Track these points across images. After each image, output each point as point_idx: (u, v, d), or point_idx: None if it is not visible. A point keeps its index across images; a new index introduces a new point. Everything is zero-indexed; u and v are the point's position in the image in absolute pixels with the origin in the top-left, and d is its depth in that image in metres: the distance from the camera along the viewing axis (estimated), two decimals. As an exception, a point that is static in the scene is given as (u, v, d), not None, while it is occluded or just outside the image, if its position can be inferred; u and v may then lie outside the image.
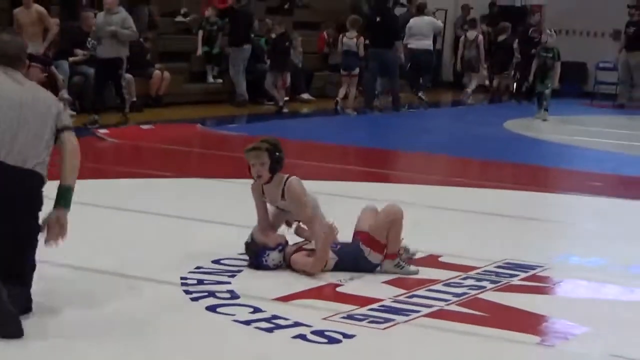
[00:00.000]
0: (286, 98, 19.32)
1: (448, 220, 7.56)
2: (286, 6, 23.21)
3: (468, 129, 17.30)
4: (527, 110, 19.62)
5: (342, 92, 18.94)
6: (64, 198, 5.78)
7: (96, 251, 7.12)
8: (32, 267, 5.78)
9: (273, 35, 19.38)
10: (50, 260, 6.81)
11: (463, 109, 21.54)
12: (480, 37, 22.32)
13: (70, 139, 5.89)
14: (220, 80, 19.43)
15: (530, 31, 22.49)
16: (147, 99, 17.11)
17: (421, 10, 21.40)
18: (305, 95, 20.10)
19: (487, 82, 23.66)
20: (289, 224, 7.07)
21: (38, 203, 5.76)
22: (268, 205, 6.94)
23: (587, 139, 16.53)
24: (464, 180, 10.52)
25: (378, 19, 18.93)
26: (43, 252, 6.98)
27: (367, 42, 18.98)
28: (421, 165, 12.64)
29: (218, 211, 8.65)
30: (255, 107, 18.58)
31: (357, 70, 18.86)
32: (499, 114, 19.66)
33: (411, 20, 21.10)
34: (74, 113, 15.03)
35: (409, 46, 20.57)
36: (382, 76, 19.45)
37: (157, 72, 17.35)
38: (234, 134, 14.83)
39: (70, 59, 16.10)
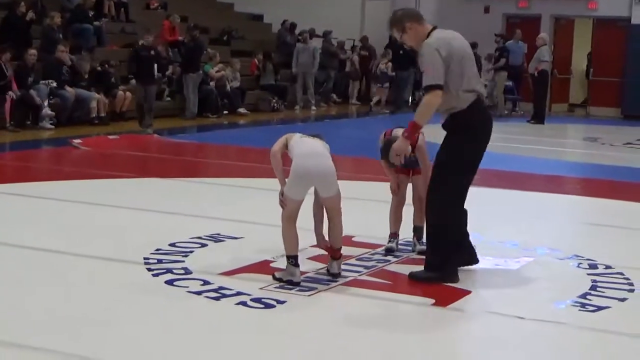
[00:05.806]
0: (225, 112, 19.34)
1: (360, 208, 7.58)
2: (225, 38, 23.15)
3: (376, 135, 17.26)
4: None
5: (375, 99, 22.74)
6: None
7: (72, 238, 7.05)
8: None
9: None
10: (32, 246, 6.75)
11: (370, 119, 21.61)
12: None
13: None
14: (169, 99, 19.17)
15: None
16: (113, 114, 16.91)
17: None
18: (242, 110, 20.00)
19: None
20: None
21: None
22: None
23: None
24: (371, 176, 10.54)
25: (401, 51, 21.58)
26: (21, 237, 6.92)
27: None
28: (348, 166, 12.67)
29: (173, 204, 8.59)
30: (202, 120, 18.44)
31: (387, 84, 22.82)
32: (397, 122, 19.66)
33: None
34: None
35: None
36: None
37: (120, 93, 17.14)
38: (185, 141, 14.73)
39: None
